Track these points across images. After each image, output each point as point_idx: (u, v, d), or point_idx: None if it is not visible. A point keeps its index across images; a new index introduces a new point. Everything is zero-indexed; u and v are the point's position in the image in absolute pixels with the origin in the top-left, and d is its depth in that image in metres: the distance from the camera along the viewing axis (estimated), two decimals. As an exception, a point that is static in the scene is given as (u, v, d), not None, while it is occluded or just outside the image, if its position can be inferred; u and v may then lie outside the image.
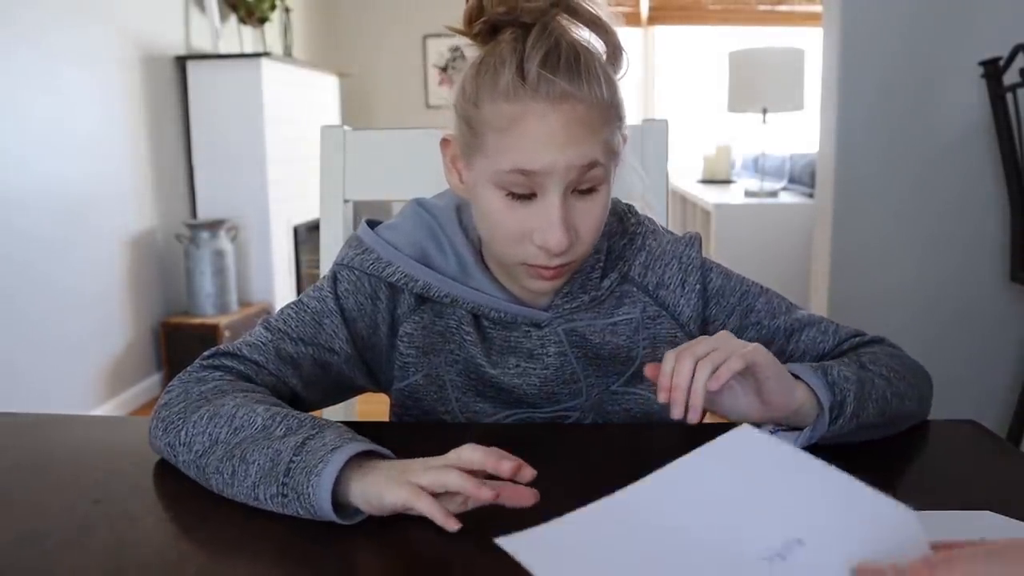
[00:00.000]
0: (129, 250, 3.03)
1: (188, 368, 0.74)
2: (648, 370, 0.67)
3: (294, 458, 0.60)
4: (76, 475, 0.71)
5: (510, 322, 0.81)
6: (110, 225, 2.92)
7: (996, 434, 0.81)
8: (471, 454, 0.58)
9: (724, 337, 0.67)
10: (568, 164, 0.69)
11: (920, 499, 0.64)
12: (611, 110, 0.72)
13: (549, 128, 0.68)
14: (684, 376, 0.63)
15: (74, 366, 2.72)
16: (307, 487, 0.59)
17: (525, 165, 0.69)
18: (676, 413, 0.64)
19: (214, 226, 3.25)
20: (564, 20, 0.73)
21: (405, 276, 0.80)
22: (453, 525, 0.56)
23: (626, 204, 0.88)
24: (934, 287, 2.20)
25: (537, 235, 0.71)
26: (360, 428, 0.68)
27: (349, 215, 1.08)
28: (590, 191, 0.73)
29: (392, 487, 0.58)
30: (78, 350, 2.74)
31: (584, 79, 0.69)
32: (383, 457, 0.63)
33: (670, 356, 0.66)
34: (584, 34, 0.74)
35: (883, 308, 2.20)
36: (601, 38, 0.74)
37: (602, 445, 0.77)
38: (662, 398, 0.64)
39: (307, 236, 4.00)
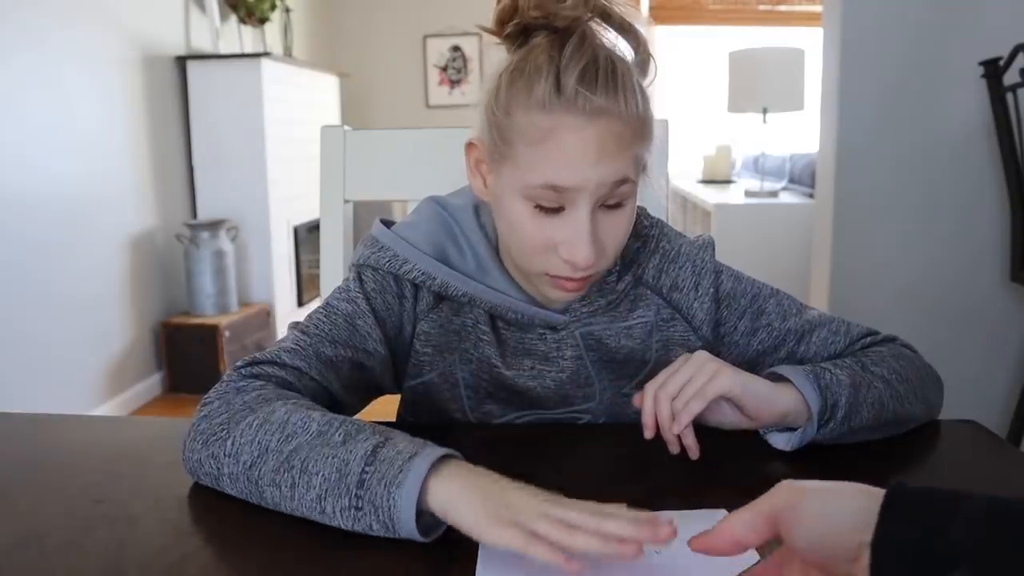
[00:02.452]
0: (129, 250, 3.03)
1: (223, 379, 0.70)
2: (636, 400, 0.70)
3: (367, 468, 0.57)
4: (76, 475, 0.71)
5: (526, 324, 0.81)
6: (110, 225, 2.92)
7: (996, 434, 0.81)
8: (619, 526, 0.51)
9: (697, 363, 0.69)
10: (600, 181, 0.68)
11: (920, 499, 0.64)
12: (644, 125, 0.71)
13: (583, 143, 0.67)
14: (664, 418, 0.67)
15: (74, 366, 2.72)
16: (387, 500, 0.55)
17: (557, 181, 0.68)
18: (673, 450, 0.68)
19: (214, 226, 3.25)
20: (595, 24, 0.71)
21: (423, 274, 0.79)
22: (576, 567, 0.49)
23: (638, 206, 0.88)
24: (934, 287, 2.20)
25: (564, 249, 0.71)
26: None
27: (349, 215, 1.08)
28: (617, 205, 0.72)
29: (497, 525, 0.52)
30: (78, 350, 2.74)
31: (620, 94, 0.68)
32: (458, 458, 0.60)
33: (649, 393, 0.68)
34: (611, 36, 0.72)
35: (883, 308, 2.20)
36: (631, 44, 0.73)
37: (616, 446, 0.77)
38: (647, 435, 0.68)
39: (307, 236, 4.00)
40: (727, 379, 0.67)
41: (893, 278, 2.21)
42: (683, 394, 0.67)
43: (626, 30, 0.73)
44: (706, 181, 4.40)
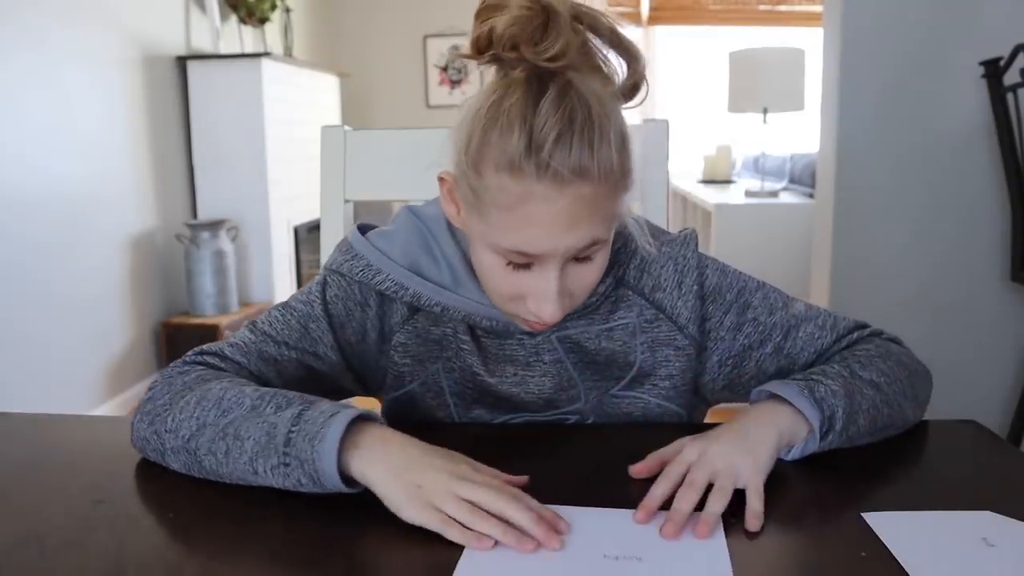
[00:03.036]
0: (129, 250, 3.03)
1: (170, 365, 0.76)
2: (634, 470, 0.68)
3: (292, 428, 0.62)
4: (76, 475, 0.71)
5: (503, 331, 0.80)
6: (110, 225, 2.92)
7: (996, 434, 0.81)
8: (519, 515, 0.57)
9: (724, 471, 0.64)
10: (570, 246, 0.67)
11: (920, 499, 0.64)
12: (621, 181, 0.68)
13: (555, 214, 0.65)
14: (688, 504, 0.61)
15: (74, 366, 2.72)
16: (310, 453, 0.60)
17: (526, 249, 0.67)
18: (641, 518, 0.61)
19: (214, 226, 3.25)
20: (588, 37, 0.69)
21: (395, 284, 0.79)
22: (487, 543, 0.56)
23: None
24: (934, 287, 2.20)
25: (532, 301, 0.70)
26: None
27: (349, 215, 1.08)
28: (588, 259, 0.71)
29: (413, 506, 0.59)
30: (78, 350, 2.74)
31: (596, 157, 0.64)
32: (377, 422, 0.65)
33: (664, 482, 0.64)
34: (603, 51, 0.70)
35: (883, 308, 2.20)
36: (623, 58, 0.70)
37: (601, 445, 0.77)
38: (639, 518, 0.61)
39: (307, 236, 4.01)
40: (757, 478, 0.64)
41: (893, 278, 2.21)
42: (722, 489, 0.63)
43: (617, 45, 0.70)
44: (706, 181, 4.41)
